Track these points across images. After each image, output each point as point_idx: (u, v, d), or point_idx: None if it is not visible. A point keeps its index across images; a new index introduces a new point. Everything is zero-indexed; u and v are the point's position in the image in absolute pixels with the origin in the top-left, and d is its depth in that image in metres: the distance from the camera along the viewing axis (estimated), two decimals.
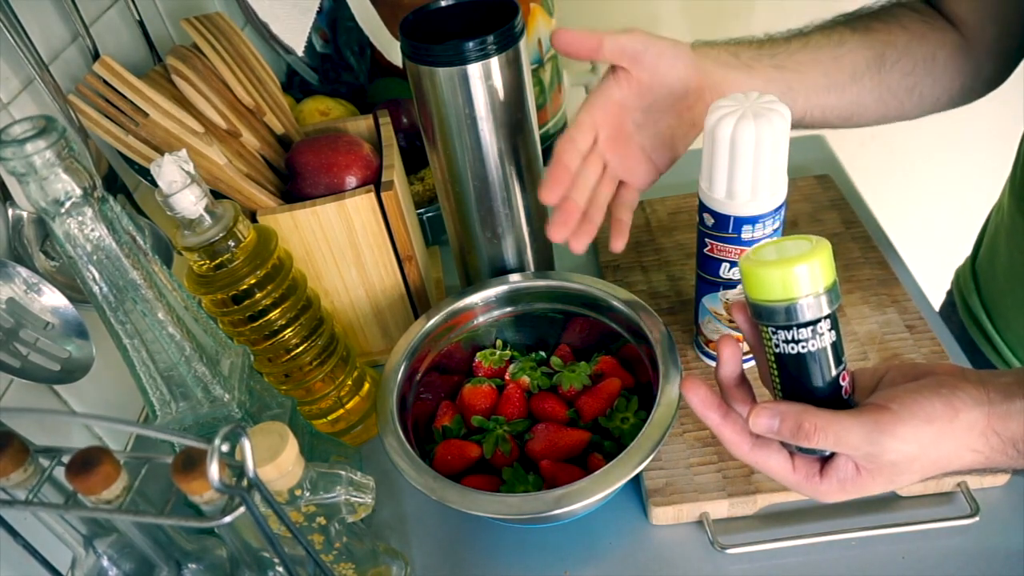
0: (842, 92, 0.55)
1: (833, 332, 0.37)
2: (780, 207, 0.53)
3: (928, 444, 0.36)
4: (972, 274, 0.74)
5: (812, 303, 0.36)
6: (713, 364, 0.63)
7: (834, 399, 0.38)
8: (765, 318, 0.37)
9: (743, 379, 0.42)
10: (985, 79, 0.59)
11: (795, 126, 0.50)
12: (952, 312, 0.77)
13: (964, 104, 0.60)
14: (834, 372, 0.38)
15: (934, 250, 1.08)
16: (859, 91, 0.56)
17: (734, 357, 0.41)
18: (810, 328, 0.36)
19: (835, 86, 0.55)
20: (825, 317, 0.36)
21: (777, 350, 0.38)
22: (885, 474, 0.38)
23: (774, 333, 0.37)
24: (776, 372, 0.39)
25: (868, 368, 0.42)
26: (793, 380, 0.38)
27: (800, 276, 0.35)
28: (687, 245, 0.76)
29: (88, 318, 0.52)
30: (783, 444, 0.41)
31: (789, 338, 0.37)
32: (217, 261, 0.51)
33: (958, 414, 0.36)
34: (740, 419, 0.41)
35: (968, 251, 0.78)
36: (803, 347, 0.37)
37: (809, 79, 0.54)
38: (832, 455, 0.39)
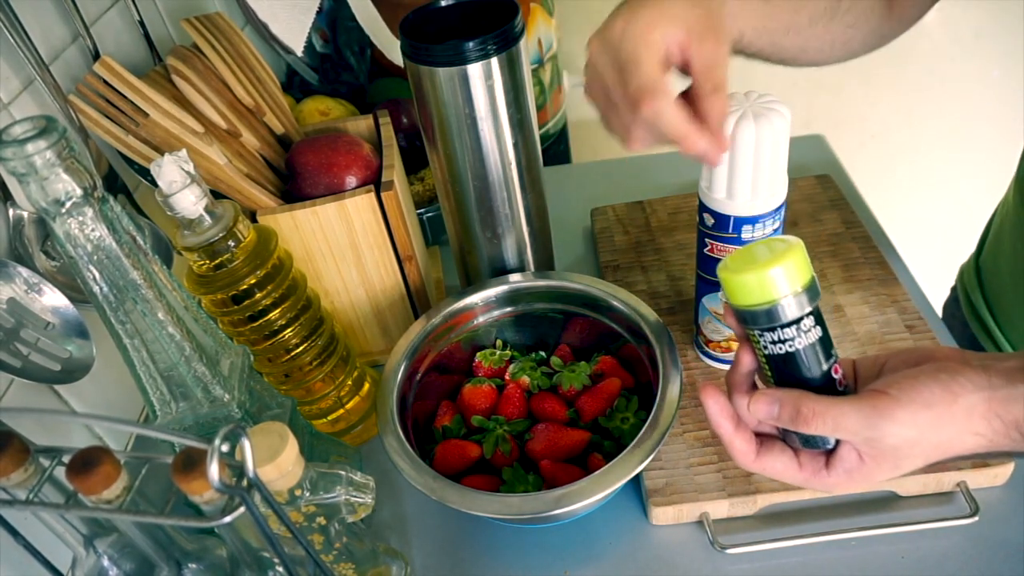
0: (797, 35, 0.55)
1: (819, 328, 0.38)
2: (780, 207, 0.53)
3: (928, 428, 0.36)
4: (976, 271, 0.74)
5: (792, 303, 0.36)
6: (713, 364, 0.64)
7: (829, 391, 0.39)
8: (750, 322, 0.38)
9: (754, 385, 0.43)
10: (898, 28, 0.59)
11: (736, 51, 0.51)
12: (955, 309, 0.77)
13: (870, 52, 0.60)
14: (825, 366, 0.38)
15: (935, 249, 1.08)
16: (808, 37, 0.55)
17: (750, 366, 0.42)
18: (794, 327, 0.37)
19: (794, 28, 0.54)
20: (807, 315, 0.37)
21: (766, 351, 0.39)
22: (889, 460, 0.38)
23: (760, 336, 0.38)
24: (770, 373, 0.40)
25: (870, 356, 0.42)
26: (786, 378, 0.39)
27: (776, 278, 0.36)
28: (687, 245, 0.76)
29: (88, 318, 0.52)
30: (787, 443, 0.41)
31: (775, 339, 0.38)
32: (217, 261, 0.51)
33: (957, 399, 0.36)
34: (748, 430, 0.42)
35: (969, 249, 0.78)
36: (790, 346, 0.38)
37: (777, 17, 0.54)
38: (835, 447, 0.39)
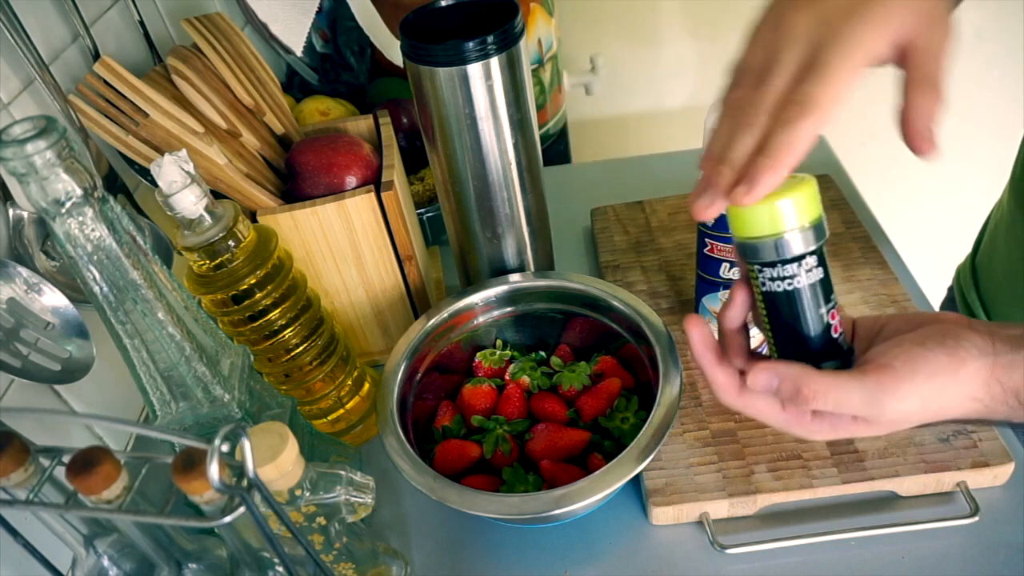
0: None
1: (820, 269, 0.36)
2: None
3: (930, 398, 0.36)
4: (972, 271, 0.75)
5: (797, 237, 0.35)
6: None
7: (824, 339, 0.37)
8: (751, 256, 0.37)
9: (744, 329, 0.42)
10: None
11: None
12: (952, 309, 0.77)
13: None
14: (823, 309, 0.37)
15: (934, 249, 1.08)
16: None
17: (743, 304, 0.41)
18: (796, 263, 0.36)
19: None
20: (811, 252, 0.36)
21: (764, 288, 0.37)
22: (883, 426, 0.37)
23: (760, 271, 0.37)
24: (765, 313, 0.38)
25: (869, 316, 0.41)
26: (782, 319, 0.38)
27: (784, 210, 0.35)
28: (687, 245, 0.76)
29: (88, 318, 0.52)
30: None
31: (775, 275, 0.36)
32: (217, 261, 0.51)
33: (963, 364, 0.35)
34: (731, 364, 0.41)
35: (968, 250, 0.78)
36: (789, 284, 0.36)
37: None
38: None
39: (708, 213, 0.37)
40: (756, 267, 0.37)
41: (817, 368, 0.37)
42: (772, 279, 0.37)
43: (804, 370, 0.37)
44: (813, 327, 0.37)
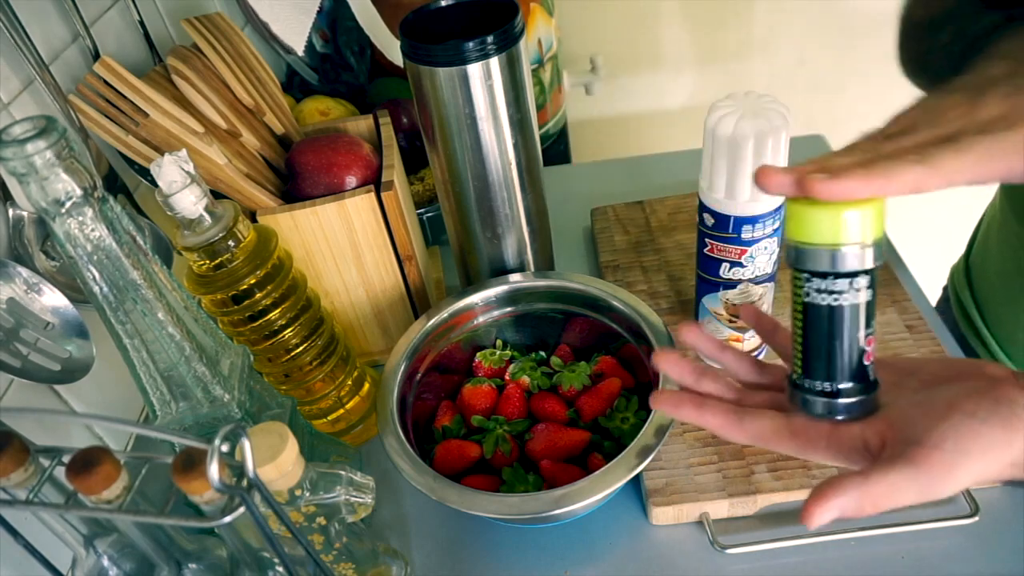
0: None
1: (870, 291, 0.35)
2: (780, 207, 0.53)
3: (980, 473, 0.33)
4: (965, 271, 0.75)
5: (856, 253, 0.34)
6: (713, 364, 0.63)
7: (857, 364, 0.36)
8: (803, 262, 0.35)
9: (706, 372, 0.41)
10: None
11: None
12: (947, 308, 0.78)
13: None
14: (862, 333, 0.35)
15: (933, 249, 1.08)
16: None
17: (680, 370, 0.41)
18: (848, 280, 0.34)
19: None
20: (866, 272, 0.34)
21: (807, 299, 0.36)
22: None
23: (808, 281, 0.35)
24: (800, 327, 0.37)
25: (900, 358, 0.40)
26: (818, 336, 0.36)
27: (849, 221, 0.33)
28: (687, 245, 0.76)
29: (88, 318, 0.52)
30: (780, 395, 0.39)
31: (824, 287, 0.35)
32: (217, 261, 0.51)
33: (1017, 435, 0.33)
34: (717, 406, 0.39)
35: (962, 250, 0.78)
36: (835, 299, 0.35)
37: None
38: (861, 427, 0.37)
39: (772, 179, 0.35)
40: (805, 275, 0.36)
41: (837, 396, 0.36)
42: (819, 291, 0.35)
43: (859, 487, 0.34)
44: (848, 349, 0.36)
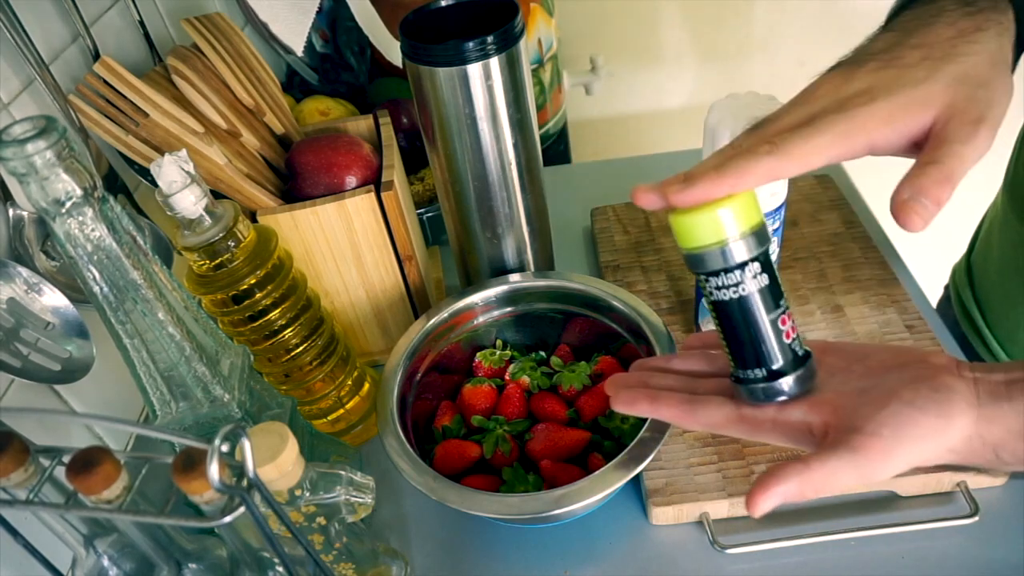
0: None
1: (765, 276, 0.37)
2: (780, 207, 0.53)
3: (915, 457, 0.35)
4: (967, 269, 0.75)
5: (740, 245, 0.36)
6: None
7: (778, 344, 0.38)
8: (698, 267, 0.37)
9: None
10: None
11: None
12: (948, 307, 0.78)
13: None
14: (773, 315, 0.38)
15: (932, 248, 1.08)
16: None
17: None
18: (740, 271, 0.36)
19: None
20: (754, 259, 0.36)
21: (712, 298, 0.38)
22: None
23: (706, 281, 0.38)
24: (717, 323, 0.39)
25: (852, 343, 0.41)
26: (733, 327, 0.38)
27: (723, 217, 0.35)
28: None
29: (88, 318, 0.52)
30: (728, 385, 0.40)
31: (721, 284, 0.37)
32: (217, 261, 0.51)
33: (951, 422, 0.34)
34: (674, 397, 0.41)
35: (964, 249, 0.78)
36: (734, 292, 0.37)
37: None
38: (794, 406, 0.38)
39: (643, 198, 0.37)
40: (703, 277, 0.38)
41: (770, 379, 0.38)
42: (719, 288, 0.37)
43: (799, 474, 0.35)
44: (765, 333, 0.38)
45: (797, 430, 0.38)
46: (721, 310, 0.38)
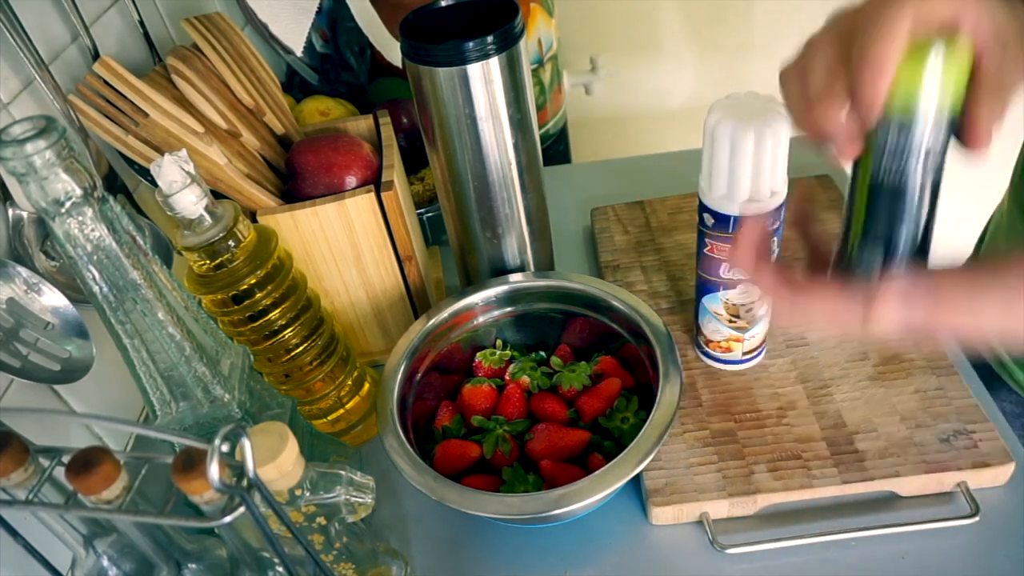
0: None
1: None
2: (781, 207, 0.53)
3: None
4: None
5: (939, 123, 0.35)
6: (713, 364, 0.63)
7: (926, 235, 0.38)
8: (910, 112, 0.35)
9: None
10: None
11: None
12: None
13: None
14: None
15: (939, 250, 1.08)
16: None
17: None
18: (937, 135, 0.36)
19: None
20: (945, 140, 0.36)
21: (882, 163, 0.37)
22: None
23: (899, 134, 0.36)
24: (867, 187, 0.38)
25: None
26: (887, 198, 0.38)
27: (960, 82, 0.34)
28: (687, 245, 0.76)
29: (88, 318, 0.52)
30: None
31: (900, 147, 0.36)
32: (217, 261, 0.51)
33: None
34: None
35: (967, 252, 0.78)
36: (920, 161, 0.37)
37: None
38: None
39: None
40: (894, 130, 0.36)
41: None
42: (893, 153, 0.36)
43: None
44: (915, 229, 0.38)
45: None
46: (888, 171, 0.38)
